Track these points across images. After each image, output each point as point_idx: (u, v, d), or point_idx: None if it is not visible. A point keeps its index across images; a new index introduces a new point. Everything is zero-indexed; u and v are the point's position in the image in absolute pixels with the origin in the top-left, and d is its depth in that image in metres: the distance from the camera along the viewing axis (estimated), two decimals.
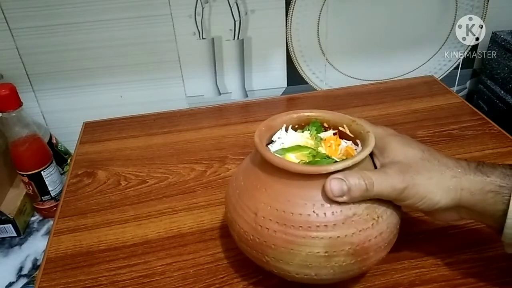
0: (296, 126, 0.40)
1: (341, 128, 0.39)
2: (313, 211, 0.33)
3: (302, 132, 0.40)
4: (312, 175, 0.33)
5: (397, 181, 0.33)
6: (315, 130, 0.39)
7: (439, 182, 0.34)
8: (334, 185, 0.32)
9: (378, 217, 0.34)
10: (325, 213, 0.33)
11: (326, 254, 0.33)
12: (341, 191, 0.32)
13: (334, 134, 0.39)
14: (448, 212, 0.35)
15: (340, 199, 0.32)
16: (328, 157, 0.36)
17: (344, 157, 0.36)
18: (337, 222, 0.33)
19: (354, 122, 0.38)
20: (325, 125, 0.40)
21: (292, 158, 0.36)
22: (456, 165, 0.35)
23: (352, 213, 0.33)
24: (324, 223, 0.32)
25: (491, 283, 0.39)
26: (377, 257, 0.35)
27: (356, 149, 0.37)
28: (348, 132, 0.38)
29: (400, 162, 0.34)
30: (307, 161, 0.36)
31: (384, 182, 0.33)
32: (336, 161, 0.35)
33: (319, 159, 0.36)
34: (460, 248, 0.43)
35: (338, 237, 0.32)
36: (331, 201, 0.33)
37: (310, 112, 0.40)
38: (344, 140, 0.38)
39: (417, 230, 0.45)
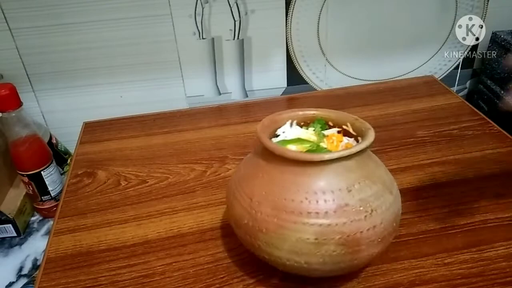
0: (302, 124, 0.41)
1: (344, 127, 0.39)
2: (305, 198, 0.33)
3: (307, 128, 0.40)
4: (306, 162, 0.34)
5: None
6: (320, 127, 0.40)
7: None
8: None
9: (372, 210, 0.34)
10: (317, 201, 0.33)
11: (316, 241, 0.33)
12: None
13: (339, 132, 0.40)
14: None
15: None
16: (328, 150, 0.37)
17: None
18: (329, 210, 0.33)
19: (357, 120, 0.39)
20: (330, 123, 0.41)
21: (293, 149, 0.37)
22: None
23: (344, 203, 0.33)
24: (315, 210, 0.33)
25: (491, 283, 0.39)
26: (370, 251, 0.35)
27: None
28: (351, 130, 0.39)
29: None
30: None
31: None
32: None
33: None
34: (460, 248, 0.43)
35: (328, 225, 0.33)
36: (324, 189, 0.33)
37: (315, 111, 0.41)
38: (346, 137, 0.39)
39: (417, 230, 0.45)
